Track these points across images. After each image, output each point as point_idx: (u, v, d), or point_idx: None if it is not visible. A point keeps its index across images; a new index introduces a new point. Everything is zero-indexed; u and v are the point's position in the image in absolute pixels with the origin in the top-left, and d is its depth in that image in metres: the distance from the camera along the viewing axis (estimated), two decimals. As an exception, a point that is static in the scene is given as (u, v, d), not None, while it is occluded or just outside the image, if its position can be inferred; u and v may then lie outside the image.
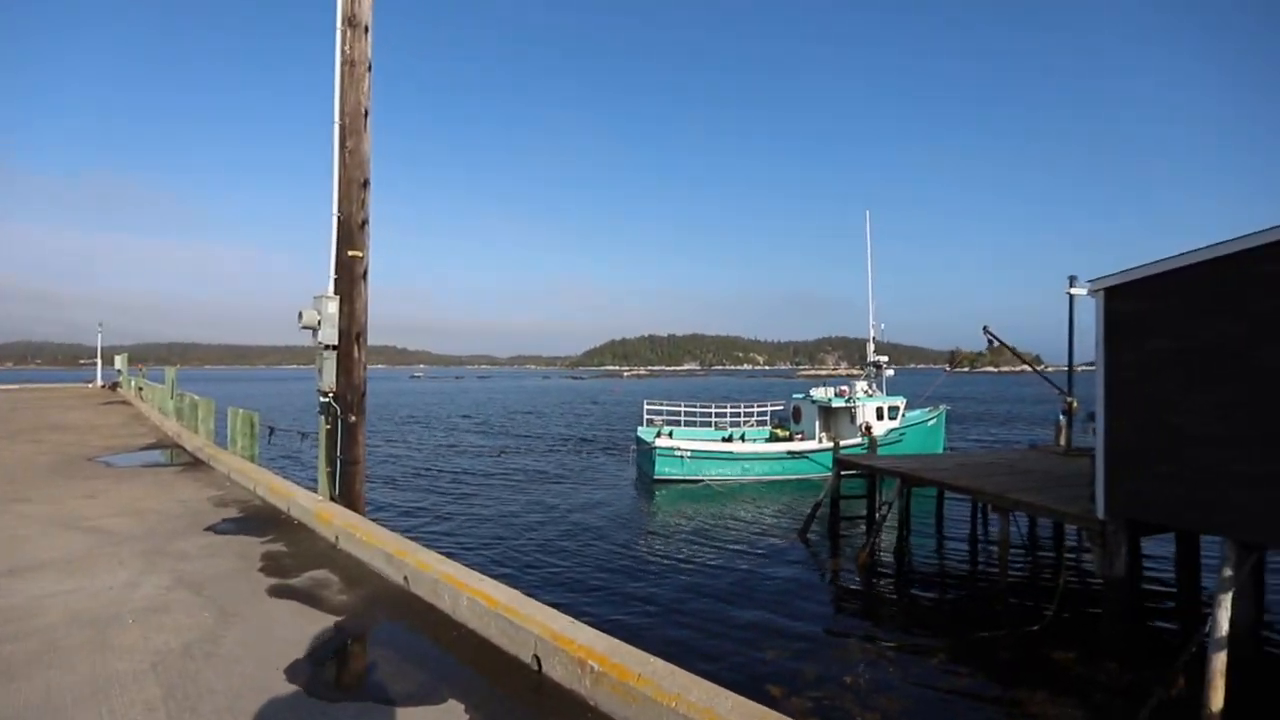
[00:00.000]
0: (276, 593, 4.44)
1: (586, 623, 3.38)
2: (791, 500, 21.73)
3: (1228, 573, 8.17)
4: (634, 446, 24.96)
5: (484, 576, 4.04)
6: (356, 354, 6.39)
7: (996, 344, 18.14)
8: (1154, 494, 9.34)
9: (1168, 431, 9.18)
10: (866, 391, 27.03)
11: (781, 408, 30.04)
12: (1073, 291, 9.61)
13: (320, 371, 6.42)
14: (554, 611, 3.46)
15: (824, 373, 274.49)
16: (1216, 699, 7.23)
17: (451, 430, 44.21)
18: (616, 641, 3.09)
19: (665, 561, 14.26)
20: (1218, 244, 8.74)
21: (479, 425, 48.17)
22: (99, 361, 40.54)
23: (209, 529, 6.16)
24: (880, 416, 25.76)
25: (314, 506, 6.06)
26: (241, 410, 11.05)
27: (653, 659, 2.87)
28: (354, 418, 6.34)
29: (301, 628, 3.82)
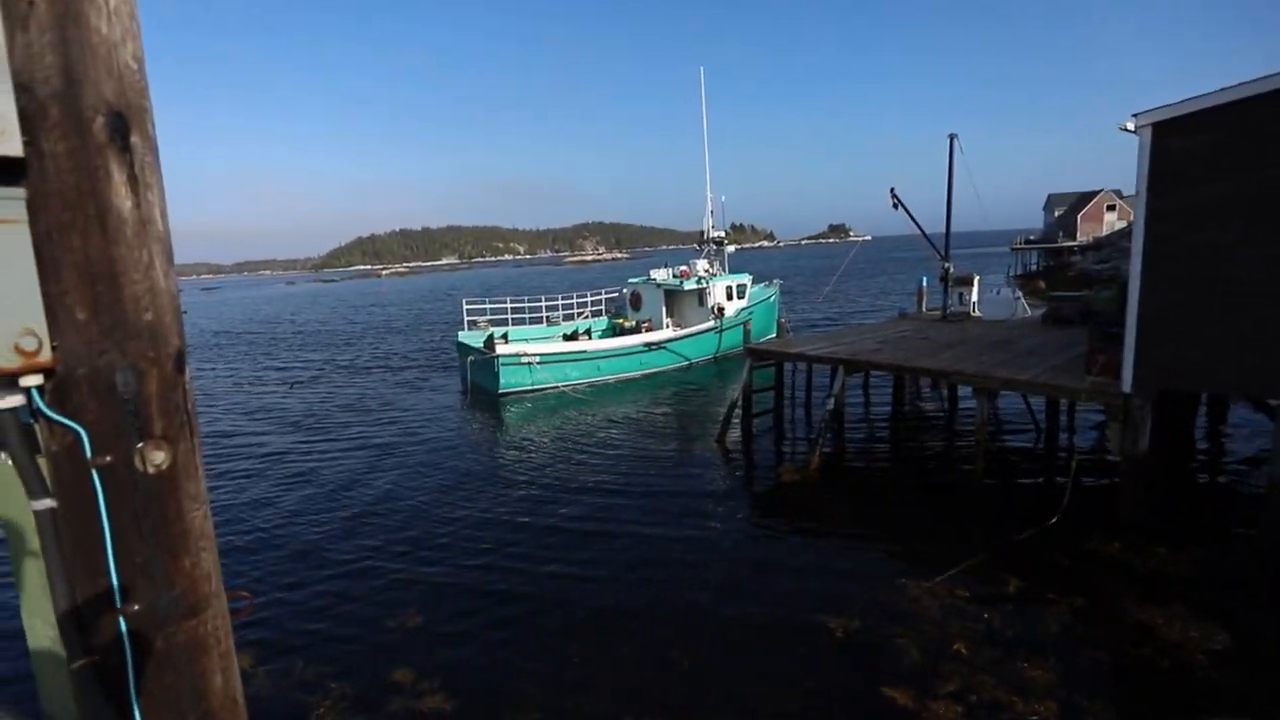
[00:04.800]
0: None
1: None
2: (658, 399, 19.40)
3: (1316, 441, 7.41)
4: (470, 357, 20.35)
5: None
6: (131, 200, 1.47)
7: (899, 206, 17.04)
8: (1200, 361, 8.35)
9: (1224, 289, 8.07)
10: (710, 271, 25.22)
11: (616, 295, 27.21)
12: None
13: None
14: None
15: (589, 258, 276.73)
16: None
17: (203, 360, 34.09)
18: None
19: (574, 510, 10.89)
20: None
21: (236, 349, 38.10)
22: None
23: None
24: (730, 297, 24.23)
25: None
26: None
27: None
28: (161, 455, 1.51)
29: None
